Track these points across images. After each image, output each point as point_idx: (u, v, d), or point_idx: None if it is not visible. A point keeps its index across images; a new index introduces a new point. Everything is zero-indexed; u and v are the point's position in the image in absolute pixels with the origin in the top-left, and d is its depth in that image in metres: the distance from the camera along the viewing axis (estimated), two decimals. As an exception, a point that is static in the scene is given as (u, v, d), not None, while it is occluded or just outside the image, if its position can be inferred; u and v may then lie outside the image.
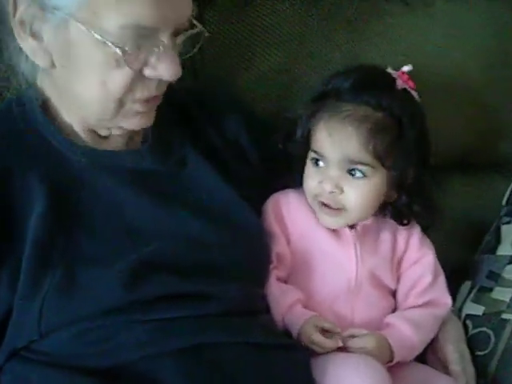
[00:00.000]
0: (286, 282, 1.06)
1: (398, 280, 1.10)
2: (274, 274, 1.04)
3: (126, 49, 0.84)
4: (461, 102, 1.36)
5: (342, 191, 1.02)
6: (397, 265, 1.10)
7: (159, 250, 0.90)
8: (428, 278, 1.08)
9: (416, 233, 1.11)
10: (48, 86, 0.96)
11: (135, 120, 0.93)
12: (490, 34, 1.38)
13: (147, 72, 0.88)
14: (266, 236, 1.03)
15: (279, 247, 1.05)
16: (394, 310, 1.09)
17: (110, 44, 0.84)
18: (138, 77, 0.88)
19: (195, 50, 0.94)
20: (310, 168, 1.05)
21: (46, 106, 0.96)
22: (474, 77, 1.37)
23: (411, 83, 1.06)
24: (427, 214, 1.08)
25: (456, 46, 1.35)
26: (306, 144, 1.05)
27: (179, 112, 1.06)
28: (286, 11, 1.24)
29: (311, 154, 1.05)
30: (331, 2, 1.28)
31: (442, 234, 1.34)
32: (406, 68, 1.06)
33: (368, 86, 1.02)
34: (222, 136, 1.08)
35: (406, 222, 1.08)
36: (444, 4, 1.36)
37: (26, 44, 0.89)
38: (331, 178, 1.02)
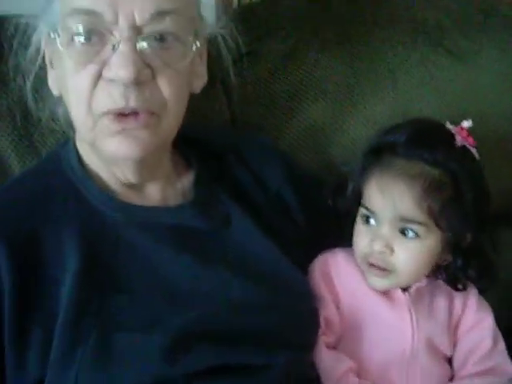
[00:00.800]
0: (334, 348, 1.00)
1: (454, 345, 1.03)
2: (323, 341, 0.98)
3: (77, 40, 0.82)
4: (509, 150, 1.30)
5: (392, 251, 0.96)
6: (454, 329, 1.03)
7: (201, 316, 0.84)
8: (487, 344, 1.02)
9: (473, 294, 1.04)
10: (76, 137, 0.94)
11: (114, 141, 0.85)
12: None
13: (104, 72, 0.83)
14: (314, 298, 0.97)
15: (328, 311, 0.99)
16: (451, 378, 1.02)
17: (57, 39, 0.83)
18: (99, 80, 0.83)
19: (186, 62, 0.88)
20: (360, 226, 1.00)
21: (81, 161, 0.94)
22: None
23: (471, 140, 1.01)
24: (484, 278, 1.01)
25: (506, 95, 1.31)
26: (356, 200, 1.00)
27: (219, 166, 1.02)
28: (329, 63, 1.21)
29: (362, 211, 1.00)
30: (374, 52, 1.24)
31: (498, 290, 1.28)
32: (465, 124, 1.01)
33: (424, 141, 0.97)
34: (265, 191, 1.03)
35: (460, 286, 1.02)
36: (492, 51, 1.32)
37: (50, 77, 0.91)
38: (382, 237, 0.96)
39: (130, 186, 0.94)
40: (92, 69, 0.83)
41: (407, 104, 1.24)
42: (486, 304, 1.05)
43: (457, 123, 1.02)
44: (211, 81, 1.01)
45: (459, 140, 0.99)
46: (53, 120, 0.99)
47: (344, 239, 1.03)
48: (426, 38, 1.28)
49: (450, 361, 1.03)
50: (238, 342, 0.85)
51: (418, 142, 0.97)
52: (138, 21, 0.82)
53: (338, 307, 1.00)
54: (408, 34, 1.27)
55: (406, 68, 1.25)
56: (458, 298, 1.03)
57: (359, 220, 1.00)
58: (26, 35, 0.92)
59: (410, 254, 0.96)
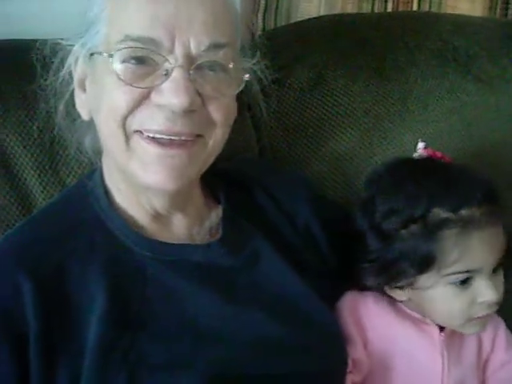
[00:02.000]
0: (361, 388, 0.98)
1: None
2: (350, 379, 0.96)
3: (129, 64, 0.81)
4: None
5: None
6: (483, 368, 1.01)
7: (230, 357, 0.83)
8: (517, 384, 1.00)
9: (502, 331, 1.02)
10: (105, 168, 0.92)
11: (147, 168, 0.83)
12: None
13: (153, 95, 0.81)
14: (342, 334, 0.95)
15: (356, 351, 0.96)
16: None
17: (110, 59, 0.81)
18: (144, 101, 0.82)
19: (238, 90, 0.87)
20: (451, 292, 0.93)
21: (108, 193, 0.91)
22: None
23: (438, 154, 1.00)
24: None
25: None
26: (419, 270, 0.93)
27: (247, 200, 1.00)
28: (358, 91, 1.19)
29: (454, 277, 0.92)
30: (404, 80, 1.23)
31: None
32: (421, 145, 1.00)
33: (461, 182, 0.95)
34: (293, 225, 1.01)
35: None
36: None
37: (79, 100, 0.90)
38: (494, 287, 0.93)
39: (157, 220, 0.92)
40: (140, 89, 0.81)
41: (436, 133, 1.22)
42: (515, 342, 1.02)
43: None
44: (239, 110, 0.98)
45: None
46: (79, 150, 0.96)
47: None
48: (456, 65, 1.26)
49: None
50: (263, 380, 0.83)
51: (458, 185, 0.94)
52: (194, 51, 0.82)
53: (366, 347, 0.98)
54: (438, 61, 1.25)
55: (435, 96, 1.24)
56: (487, 336, 1.01)
57: (448, 288, 0.93)
58: (59, 57, 0.91)
59: (502, 283, 0.95)
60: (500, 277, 0.96)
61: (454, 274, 0.92)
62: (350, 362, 0.96)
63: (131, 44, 0.81)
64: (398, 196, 0.95)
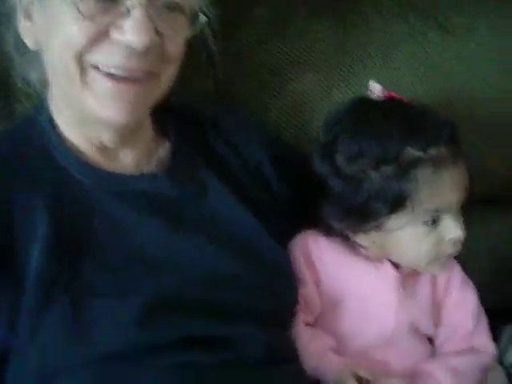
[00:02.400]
0: (312, 327, 0.98)
1: (437, 324, 1.02)
2: (301, 319, 0.97)
3: None
4: (506, 133, 1.28)
5: None
6: (436, 309, 1.02)
7: (178, 284, 0.83)
8: (470, 323, 1.01)
9: (456, 273, 1.03)
10: (51, 98, 0.91)
11: (103, 103, 0.83)
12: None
13: (113, 33, 0.81)
14: (293, 273, 0.96)
15: (307, 290, 0.98)
16: (431, 356, 1.01)
17: None
18: (103, 38, 0.81)
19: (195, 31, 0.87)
20: (420, 231, 0.94)
21: (55, 125, 0.91)
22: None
23: (394, 94, 1.00)
24: None
25: (501, 74, 1.28)
26: (390, 209, 0.93)
27: (197, 134, 1.00)
28: (318, 36, 1.18)
29: (428, 216, 0.93)
30: (365, 24, 1.22)
31: (486, 274, 1.27)
32: (372, 85, 0.99)
33: (426, 120, 0.95)
34: (244, 163, 1.01)
35: None
36: (484, 28, 1.29)
37: (23, 28, 0.87)
38: (461, 225, 0.94)
39: (104, 152, 0.91)
40: (99, 25, 0.80)
41: (398, 79, 1.21)
42: (469, 282, 1.03)
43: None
44: (196, 55, 0.98)
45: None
46: (26, 81, 0.94)
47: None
48: (419, 12, 1.25)
49: (432, 340, 1.03)
50: (215, 313, 0.84)
51: (426, 124, 0.94)
52: None
53: (318, 287, 0.99)
54: (402, 9, 1.24)
55: (397, 43, 1.22)
56: (442, 278, 1.01)
57: (418, 228, 0.94)
58: None
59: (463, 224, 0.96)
60: (460, 216, 0.96)
61: (425, 212, 0.93)
62: (301, 300, 0.97)
63: None
64: (366, 136, 0.93)
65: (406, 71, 1.22)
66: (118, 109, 0.84)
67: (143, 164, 0.93)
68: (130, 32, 0.80)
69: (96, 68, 0.82)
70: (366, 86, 1.02)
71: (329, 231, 0.98)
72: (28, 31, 0.87)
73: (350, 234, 0.97)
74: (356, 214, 0.94)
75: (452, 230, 0.94)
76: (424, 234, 0.94)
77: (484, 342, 1.01)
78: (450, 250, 0.96)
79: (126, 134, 0.91)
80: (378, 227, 0.94)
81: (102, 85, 0.83)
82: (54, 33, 0.82)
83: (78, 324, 0.78)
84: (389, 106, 0.97)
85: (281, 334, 0.91)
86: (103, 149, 0.91)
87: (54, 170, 0.88)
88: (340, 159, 0.95)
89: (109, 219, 0.86)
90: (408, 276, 0.99)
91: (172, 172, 0.93)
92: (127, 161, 0.93)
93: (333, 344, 0.96)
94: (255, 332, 0.85)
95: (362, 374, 0.91)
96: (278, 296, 0.92)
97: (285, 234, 0.99)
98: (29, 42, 0.88)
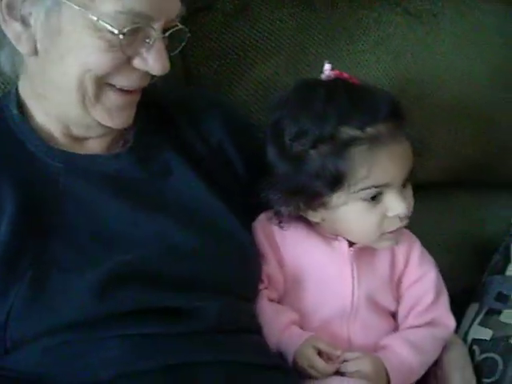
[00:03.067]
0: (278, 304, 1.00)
1: (398, 300, 1.03)
2: (265, 295, 0.99)
3: (125, 31, 0.84)
4: (468, 116, 1.30)
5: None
6: (396, 284, 1.03)
7: (137, 259, 0.86)
8: (429, 297, 1.02)
9: (416, 248, 1.04)
10: (26, 87, 0.93)
11: (113, 115, 0.90)
12: (498, 42, 1.33)
13: (136, 62, 0.88)
14: (255, 250, 0.98)
15: (271, 268, 0.99)
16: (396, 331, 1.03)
17: (108, 26, 0.83)
18: (125, 65, 0.87)
19: (178, 49, 0.93)
20: (363, 207, 0.95)
21: (24, 109, 0.93)
22: (483, 90, 1.32)
23: (345, 75, 1.01)
24: None
25: (464, 59, 1.31)
26: (330, 187, 0.94)
27: (161, 117, 1.02)
28: (284, 19, 1.19)
29: (365, 193, 0.94)
30: (331, 10, 1.24)
31: (448, 252, 1.29)
32: (327, 66, 1.00)
33: (366, 98, 0.95)
34: (206, 144, 1.03)
35: None
36: (450, 14, 1.32)
37: (10, 29, 0.87)
38: (402, 201, 0.94)
39: (75, 138, 0.94)
40: (124, 54, 0.86)
41: (362, 63, 1.24)
42: (429, 258, 1.05)
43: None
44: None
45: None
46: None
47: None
48: (384, -3, 1.28)
49: (395, 315, 1.04)
50: (175, 287, 0.86)
51: (364, 103, 0.94)
52: (169, 20, 0.89)
53: (281, 265, 1.00)
54: (366, -8, 1.27)
55: (363, 27, 1.25)
56: (401, 253, 1.03)
57: (360, 204, 0.95)
58: None
59: (411, 198, 0.97)
60: (409, 191, 0.98)
61: (363, 189, 0.94)
62: (265, 278, 0.99)
63: (131, 18, 0.84)
64: (305, 116, 0.95)
65: (370, 56, 1.24)
66: (125, 117, 0.92)
67: (110, 146, 0.96)
68: (153, 62, 0.88)
69: (110, 85, 0.88)
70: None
71: (278, 215, 1.00)
72: (19, 34, 0.87)
73: (302, 212, 0.98)
74: (300, 194, 0.96)
75: (394, 205, 0.95)
76: (366, 210, 0.95)
77: (443, 315, 1.03)
78: (395, 225, 0.96)
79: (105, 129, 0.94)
80: (324, 205, 0.96)
81: (115, 99, 0.90)
82: (73, 54, 0.86)
83: (40, 297, 0.81)
84: (332, 86, 0.98)
85: (240, 306, 0.92)
86: (73, 137, 0.94)
87: (20, 153, 0.90)
88: (286, 139, 0.96)
89: (75, 199, 0.89)
90: (364, 252, 1.00)
91: (134, 150, 0.96)
92: (95, 145, 0.95)
93: (296, 318, 0.98)
94: (211, 304, 0.87)
95: (322, 347, 0.93)
96: (241, 270, 0.94)
97: (248, 214, 1.01)
98: (22, 46, 0.88)
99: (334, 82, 0.99)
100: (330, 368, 0.93)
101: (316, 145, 0.94)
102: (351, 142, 0.92)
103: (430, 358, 1.01)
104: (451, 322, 1.03)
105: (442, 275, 1.06)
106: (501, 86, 1.35)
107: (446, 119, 1.29)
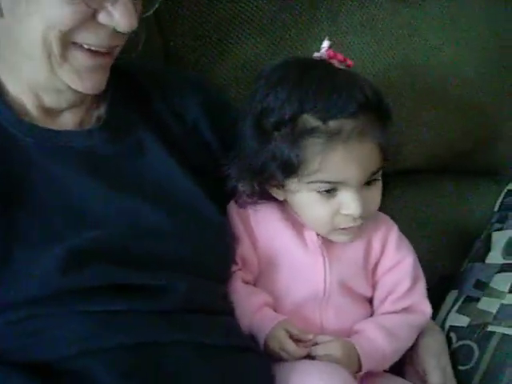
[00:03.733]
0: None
1: (374, 286, 1.02)
2: (240, 276, 0.98)
3: None
4: (452, 101, 1.29)
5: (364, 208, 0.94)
6: (372, 270, 1.02)
7: (105, 235, 0.85)
8: (406, 284, 1.01)
9: (393, 234, 1.03)
10: None
11: (82, 76, 0.87)
12: (486, 29, 1.31)
13: (101, 17, 0.84)
14: (228, 232, 0.97)
15: (245, 251, 0.98)
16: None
17: None
18: (90, 20, 0.84)
19: (152, 9, 0.91)
20: (315, 198, 0.93)
21: None
22: (468, 75, 1.31)
23: (340, 56, 0.97)
24: None
25: (449, 42, 1.29)
26: (285, 173, 0.92)
27: (136, 93, 1.00)
28: (265, -2, 1.17)
29: (318, 186, 0.92)
30: (315, -9, 1.22)
31: (430, 239, 1.28)
32: (326, 43, 0.97)
33: (336, 90, 0.90)
34: (182, 123, 1.01)
35: None
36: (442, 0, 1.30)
37: None
38: (356, 201, 0.92)
39: (46, 110, 0.93)
40: (88, 9, 0.83)
41: (347, 46, 1.22)
42: (406, 243, 1.03)
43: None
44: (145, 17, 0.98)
45: (337, 65, 0.96)
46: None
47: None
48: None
49: (371, 302, 1.03)
50: (143, 265, 0.85)
51: (335, 93, 0.90)
52: None
53: (255, 247, 0.99)
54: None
55: (347, 8, 1.23)
56: (378, 239, 1.01)
57: (313, 195, 0.93)
58: None
59: (377, 196, 0.96)
60: (373, 192, 0.95)
61: (314, 182, 0.92)
62: (239, 260, 0.98)
63: None
64: (274, 95, 0.92)
65: (354, 37, 1.22)
66: (96, 80, 0.89)
67: (83, 122, 0.94)
68: (119, 16, 0.84)
69: (79, 45, 0.85)
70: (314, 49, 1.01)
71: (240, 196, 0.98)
72: None
73: (268, 189, 0.97)
74: (258, 173, 0.94)
75: (347, 205, 0.93)
76: (318, 201, 0.93)
77: (420, 301, 1.01)
78: (348, 223, 0.95)
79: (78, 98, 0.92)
80: (282, 187, 0.95)
81: (83, 61, 0.86)
82: (35, 11, 0.83)
83: (4, 270, 0.80)
84: (309, 68, 0.94)
85: (210, 287, 0.91)
86: (46, 109, 0.92)
87: None
88: (256, 114, 0.94)
89: (44, 173, 0.88)
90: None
91: (106, 125, 0.94)
92: (67, 119, 0.94)
93: (269, 301, 0.97)
94: (179, 283, 0.86)
95: (296, 332, 0.92)
96: (212, 250, 0.92)
97: (222, 195, 0.99)
98: None
99: (315, 65, 0.96)
100: (301, 351, 0.91)
101: (279, 127, 0.92)
102: (309, 132, 0.90)
103: (405, 345, 1.00)
104: (427, 308, 1.02)
105: (424, 262, 1.05)
106: (488, 73, 1.34)
107: (430, 104, 1.27)
